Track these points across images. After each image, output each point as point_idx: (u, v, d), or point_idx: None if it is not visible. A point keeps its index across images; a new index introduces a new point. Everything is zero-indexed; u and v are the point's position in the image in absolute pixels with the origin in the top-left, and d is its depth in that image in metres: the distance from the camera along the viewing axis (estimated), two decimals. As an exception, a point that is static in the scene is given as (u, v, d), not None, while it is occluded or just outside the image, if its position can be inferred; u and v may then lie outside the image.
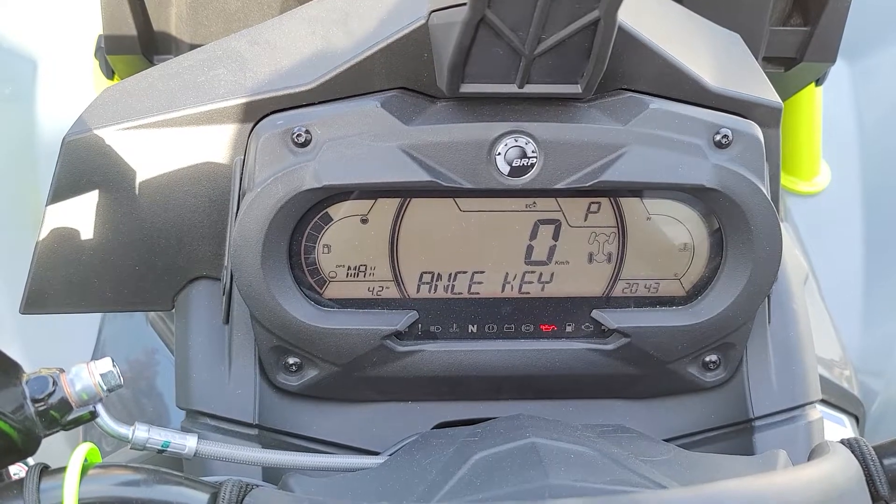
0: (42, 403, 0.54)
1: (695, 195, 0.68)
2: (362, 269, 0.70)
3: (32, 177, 1.27)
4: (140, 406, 0.99)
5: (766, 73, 0.96)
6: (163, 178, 0.71)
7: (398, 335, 0.70)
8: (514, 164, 0.66)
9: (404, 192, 0.67)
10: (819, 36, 0.95)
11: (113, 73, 1.02)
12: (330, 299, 0.70)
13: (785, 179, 1.30)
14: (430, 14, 0.63)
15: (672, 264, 0.70)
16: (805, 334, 0.74)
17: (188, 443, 0.58)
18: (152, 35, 0.95)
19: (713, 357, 0.72)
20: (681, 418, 0.74)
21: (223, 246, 0.73)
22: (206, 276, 0.74)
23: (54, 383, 0.54)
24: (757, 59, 0.94)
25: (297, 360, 0.71)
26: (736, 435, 0.73)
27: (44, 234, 0.72)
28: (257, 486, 0.56)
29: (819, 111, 1.22)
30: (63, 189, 0.71)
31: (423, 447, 0.65)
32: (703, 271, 0.71)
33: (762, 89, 0.71)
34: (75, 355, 1.00)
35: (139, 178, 0.71)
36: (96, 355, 1.03)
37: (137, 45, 0.95)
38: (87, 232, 0.72)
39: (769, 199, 0.67)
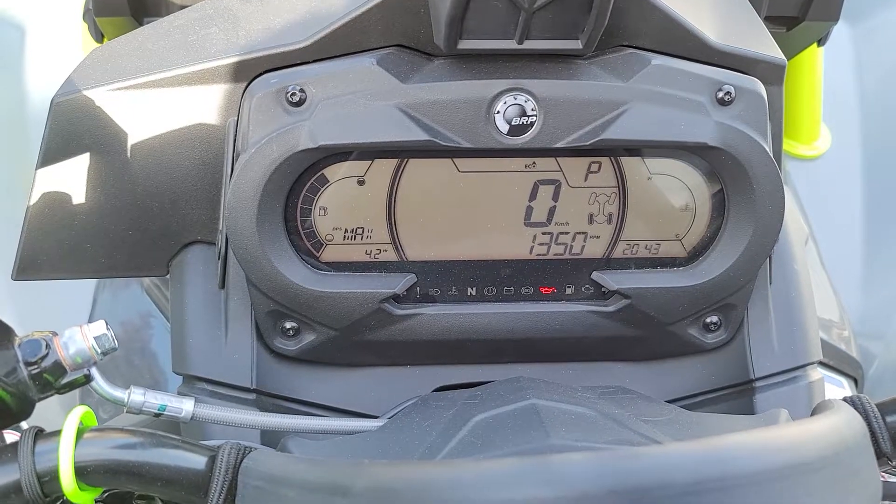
0: (35, 367, 0.53)
1: (697, 153, 0.67)
2: (359, 231, 0.69)
3: (23, 142, 1.25)
4: (136, 373, 0.98)
5: (767, 32, 0.95)
6: (155, 140, 0.70)
7: (396, 298, 0.69)
8: (513, 123, 0.64)
9: (401, 153, 0.66)
10: None
11: (102, 35, 1.00)
12: (327, 262, 0.69)
13: (785, 143, 1.28)
14: None
15: (673, 225, 0.69)
16: (806, 295, 0.74)
17: (185, 406, 0.57)
18: None
19: (714, 318, 0.71)
20: (681, 380, 0.74)
21: (218, 209, 0.71)
22: (200, 241, 0.73)
23: (47, 346, 0.53)
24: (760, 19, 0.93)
25: (295, 324, 0.70)
26: (737, 396, 0.72)
27: (34, 198, 0.70)
28: (256, 448, 0.56)
29: (820, 73, 1.20)
30: (53, 152, 0.69)
31: (423, 410, 0.64)
32: (704, 232, 0.70)
33: (765, 46, 0.69)
34: (70, 323, 0.99)
35: (130, 140, 0.70)
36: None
37: (126, 7, 0.93)
38: (78, 196, 0.71)
39: (772, 157, 0.66)
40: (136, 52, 0.70)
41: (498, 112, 0.64)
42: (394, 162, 0.66)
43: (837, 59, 1.34)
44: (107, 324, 0.56)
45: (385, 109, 0.63)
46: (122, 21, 0.94)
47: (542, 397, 0.61)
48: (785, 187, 0.69)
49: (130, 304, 1.01)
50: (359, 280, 0.69)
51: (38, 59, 1.32)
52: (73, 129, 0.68)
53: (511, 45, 0.63)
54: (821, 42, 1.05)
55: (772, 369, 0.71)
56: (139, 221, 0.72)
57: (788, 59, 1.16)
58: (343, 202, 0.67)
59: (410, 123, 0.63)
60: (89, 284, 1.05)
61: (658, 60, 0.65)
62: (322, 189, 0.67)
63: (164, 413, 0.57)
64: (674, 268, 0.70)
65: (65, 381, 0.54)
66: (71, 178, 0.70)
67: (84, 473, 0.50)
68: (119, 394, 0.57)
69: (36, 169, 0.70)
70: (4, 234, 0.90)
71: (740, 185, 0.67)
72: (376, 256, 0.69)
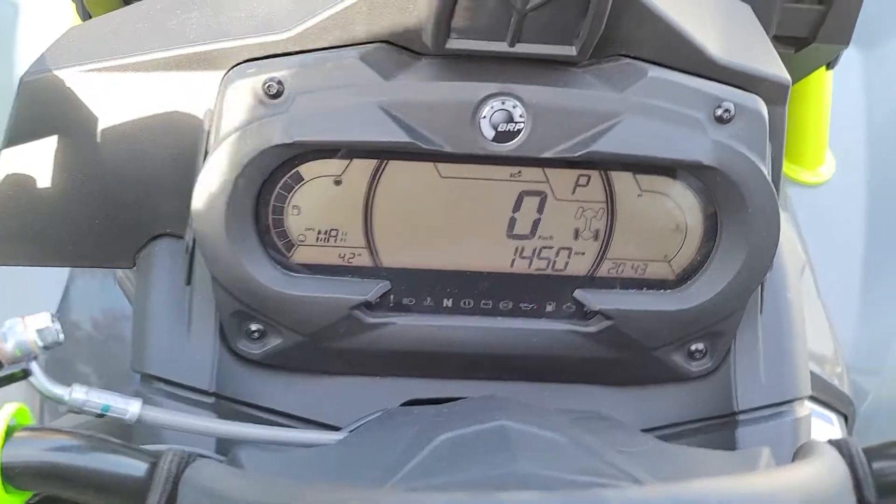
0: (-31, 358, 0.50)
1: (691, 172, 0.63)
2: (333, 233, 0.66)
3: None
4: (105, 368, 0.95)
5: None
6: (127, 126, 0.67)
7: (368, 306, 0.66)
8: (499, 129, 0.61)
9: (381, 154, 0.63)
10: (834, 16, 0.90)
11: (89, 16, 0.97)
12: (298, 264, 0.66)
13: (787, 168, 1.25)
14: None
15: (662, 245, 0.66)
16: (798, 327, 0.70)
17: (130, 407, 0.54)
18: None
19: (699, 345, 0.68)
20: (662, 408, 0.71)
21: (189, 202, 0.68)
22: (170, 234, 0.70)
23: (-16, 337, 0.50)
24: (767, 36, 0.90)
25: (260, 326, 0.67)
26: (719, 428, 0.69)
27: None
28: (203, 456, 0.52)
29: (828, 98, 1.17)
30: (20, 132, 0.66)
31: (387, 424, 0.61)
32: (694, 255, 0.66)
33: (770, 63, 0.66)
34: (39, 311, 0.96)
35: (101, 125, 0.67)
36: (61, 314, 0.99)
37: None
38: (44, 179, 0.68)
39: (769, 180, 0.63)
40: (113, 34, 0.67)
41: (484, 117, 0.61)
42: (373, 163, 0.63)
43: (847, 85, 1.31)
44: (52, 316, 0.53)
45: (366, 107, 0.60)
46: (109, 1, 0.92)
47: (513, 419, 0.57)
48: (784, 213, 0.66)
49: (104, 295, 0.98)
50: (330, 284, 0.66)
51: (31, 39, 1.30)
52: (42, 109, 0.66)
53: (502, 47, 0.60)
54: (829, 66, 1.02)
55: (757, 403, 0.68)
56: (107, 210, 0.69)
57: (796, 81, 1.13)
58: (318, 202, 0.64)
59: (391, 123, 0.60)
60: (63, 273, 1.02)
61: (655, 72, 0.62)
62: (297, 187, 0.64)
63: (108, 413, 0.54)
64: (661, 290, 0.67)
65: (1, 374, 0.51)
66: (38, 160, 0.67)
67: (11, 476, 0.47)
68: (59, 391, 0.54)
69: (1, 149, 0.67)
70: None
71: (735, 207, 0.63)
72: (350, 261, 0.66)
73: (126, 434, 0.64)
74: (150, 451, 0.51)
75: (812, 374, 0.73)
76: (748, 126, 0.62)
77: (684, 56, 0.63)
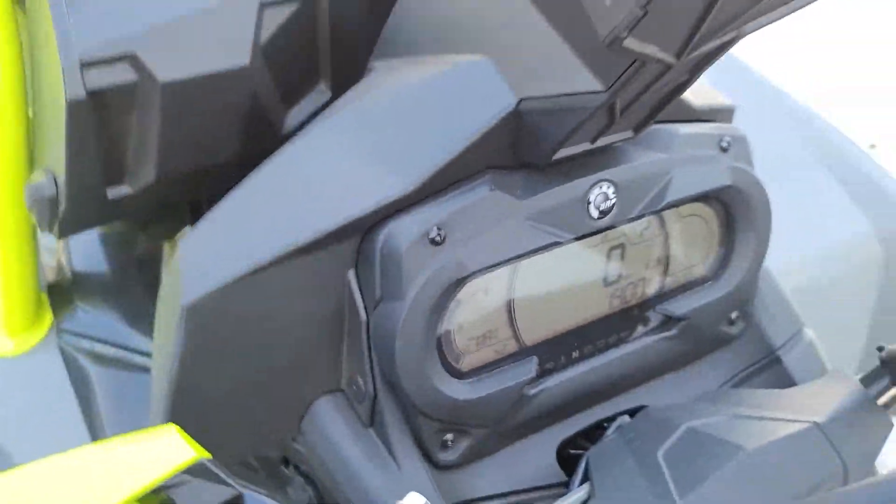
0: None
1: (715, 194, 0.84)
2: (487, 334, 0.76)
3: None
4: None
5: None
6: (276, 316, 0.71)
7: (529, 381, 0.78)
8: (601, 209, 0.77)
9: (518, 258, 0.75)
10: None
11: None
12: (468, 371, 0.76)
13: None
14: (520, 101, 0.70)
15: (700, 252, 0.86)
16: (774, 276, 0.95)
17: None
18: None
19: (736, 313, 0.90)
20: (718, 371, 0.92)
21: (339, 357, 0.75)
22: (324, 392, 0.75)
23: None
24: None
25: (451, 435, 0.76)
26: (768, 368, 0.92)
27: (172, 403, 0.68)
28: None
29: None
30: (188, 357, 0.68)
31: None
32: (719, 253, 0.88)
33: (716, 97, 0.88)
34: None
35: (256, 325, 0.70)
36: None
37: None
38: (215, 388, 0.70)
39: (761, 183, 0.86)
40: (235, 238, 0.70)
41: (589, 202, 0.76)
42: (508, 267, 0.75)
43: None
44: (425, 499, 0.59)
45: (518, 225, 0.72)
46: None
47: (693, 420, 0.75)
48: None
49: None
50: (500, 376, 0.76)
51: None
52: (206, 329, 0.68)
53: (586, 146, 0.75)
54: None
55: (785, 337, 0.92)
56: (268, 397, 0.73)
57: None
58: (473, 313, 0.75)
59: (537, 231, 0.73)
60: None
61: (682, 130, 0.81)
62: (457, 310, 0.74)
63: None
64: (706, 284, 0.87)
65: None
66: (206, 375, 0.69)
67: None
68: None
69: (173, 377, 0.68)
70: None
71: (745, 209, 0.85)
72: (502, 351, 0.78)
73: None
74: None
75: None
76: (741, 149, 0.84)
77: (680, 112, 0.83)
